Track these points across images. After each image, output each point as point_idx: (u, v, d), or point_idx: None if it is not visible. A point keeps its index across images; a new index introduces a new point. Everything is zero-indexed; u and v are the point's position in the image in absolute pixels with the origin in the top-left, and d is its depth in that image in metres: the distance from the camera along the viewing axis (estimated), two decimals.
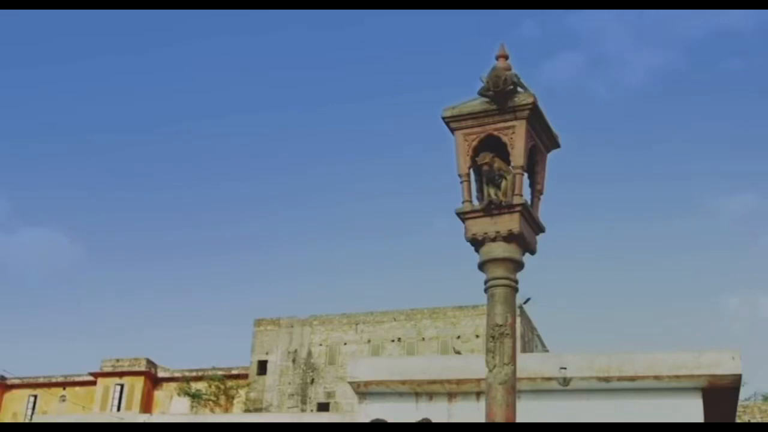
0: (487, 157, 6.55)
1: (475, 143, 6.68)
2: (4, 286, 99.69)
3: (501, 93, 6.54)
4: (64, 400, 56.08)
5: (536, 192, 6.87)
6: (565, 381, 20.22)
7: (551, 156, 7.06)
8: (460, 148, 6.74)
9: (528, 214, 6.62)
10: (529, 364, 20.21)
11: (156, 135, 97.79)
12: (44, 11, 74.72)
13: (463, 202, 6.69)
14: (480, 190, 6.68)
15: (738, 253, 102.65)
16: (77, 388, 56.51)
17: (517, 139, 6.55)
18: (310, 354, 51.80)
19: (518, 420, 6.31)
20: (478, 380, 19.57)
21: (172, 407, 53.74)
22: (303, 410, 49.29)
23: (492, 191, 6.53)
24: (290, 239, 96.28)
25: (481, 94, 6.63)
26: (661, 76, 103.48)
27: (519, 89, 6.60)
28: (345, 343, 51.22)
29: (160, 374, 56.01)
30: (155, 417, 41.12)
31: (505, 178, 6.52)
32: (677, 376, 19.75)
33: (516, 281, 6.58)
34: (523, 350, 43.82)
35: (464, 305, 49.85)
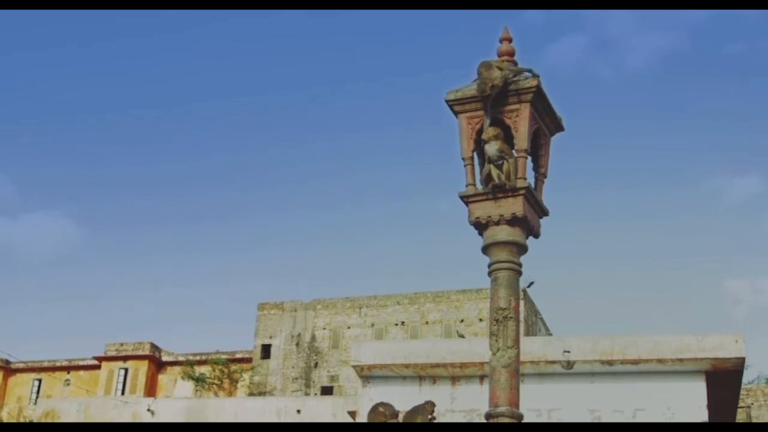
0: (495, 130, 6.53)
1: (478, 126, 6.67)
2: (9, 271, 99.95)
3: (491, 96, 6.53)
4: (68, 384, 56.19)
5: (540, 175, 6.85)
6: (569, 364, 20.27)
7: (555, 139, 7.05)
8: (464, 132, 6.72)
9: (532, 198, 6.61)
10: (532, 348, 20.27)
11: (158, 117, 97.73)
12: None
13: (466, 186, 6.67)
14: (487, 175, 6.65)
15: (742, 236, 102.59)
16: (81, 372, 56.62)
17: (521, 122, 6.53)
18: (313, 338, 51.88)
19: (522, 403, 6.31)
20: (482, 364, 19.65)
21: (176, 391, 53.87)
22: (307, 394, 49.40)
23: (495, 173, 6.51)
24: (294, 223, 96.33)
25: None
26: (665, 59, 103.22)
27: (526, 73, 6.57)
28: (348, 327, 51.27)
29: (164, 358, 56.11)
30: (159, 401, 41.29)
31: (507, 161, 6.50)
32: (680, 360, 19.79)
33: (519, 265, 6.57)
34: (527, 334, 43.86)
35: (468, 289, 49.85)
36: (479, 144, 6.66)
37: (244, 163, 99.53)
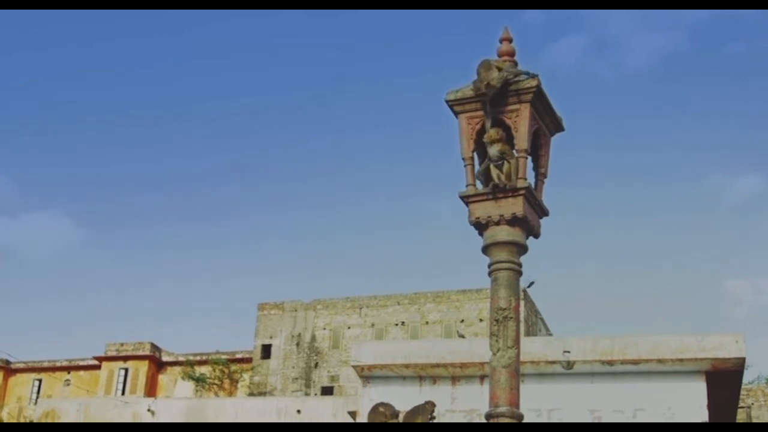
0: (498, 133, 6.53)
1: (478, 127, 6.67)
2: (9, 270, 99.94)
3: (487, 95, 6.53)
4: (68, 384, 56.19)
5: (540, 175, 6.85)
6: (569, 364, 20.27)
7: (555, 139, 7.05)
8: (464, 132, 6.72)
9: (532, 198, 6.61)
10: (532, 348, 20.27)
11: (158, 117, 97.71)
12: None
13: (467, 186, 6.67)
14: (484, 174, 6.66)
15: (742, 236, 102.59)
16: (81, 372, 56.61)
17: (521, 122, 6.53)
18: (313, 338, 51.88)
19: (522, 403, 6.31)
20: (482, 364, 19.65)
21: (177, 391, 53.87)
22: (307, 394, 49.40)
23: (495, 173, 6.52)
24: (294, 223, 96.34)
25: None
26: (665, 59, 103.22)
27: (523, 75, 6.57)
28: (349, 327, 51.27)
29: (165, 358, 56.10)
30: (159, 401, 41.29)
31: (508, 161, 6.51)
32: (681, 360, 19.79)
33: (520, 265, 6.57)
34: (527, 334, 43.86)
35: (468, 289, 49.86)
36: (479, 144, 6.66)
37: (244, 163, 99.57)
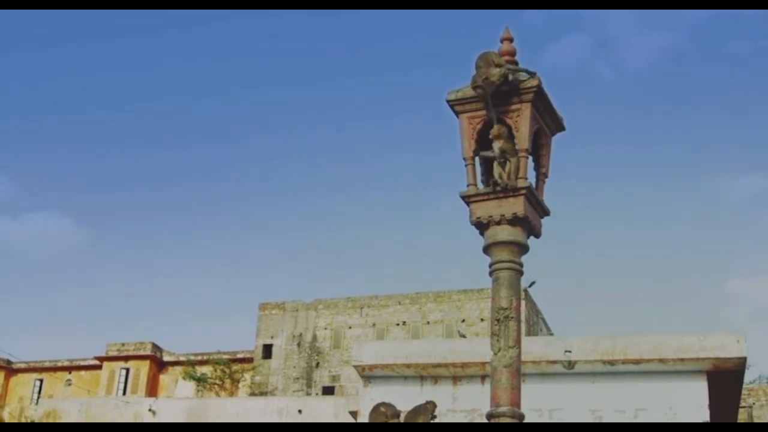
0: (501, 129, 6.52)
1: (479, 126, 6.67)
2: (9, 270, 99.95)
3: (484, 89, 6.52)
4: (69, 384, 56.17)
5: (541, 175, 6.85)
6: (570, 364, 20.25)
7: (555, 138, 7.04)
8: (465, 132, 6.72)
9: (533, 197, 6.61)
10: (533, 348, 20.25)
11: (159, 114, 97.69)
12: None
13: (468, 186, 6.67)
14: (485, 173, 6.66)
15: (743, 235, 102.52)
16: (83, 372, 56.60)
17: (522, 122, 6.53)
18: (314, 338, 51.87)
19: (523, 402, 6.30)
20: (483, 363, 19.62)
21: (178, 391, 53.85)
22: (308, 394, 49.39)
23: (497, 172, 6.52)
24: (295, 223, 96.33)
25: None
26: (665, 59, 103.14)
27: (523, 73, 6.57)
28: (350, 327, 51.25)
29: (166, 358, 56.08)
30: (160, 401, 41.29)
31: (509, 161, 6.50)
32: (682, 359, 19.77)
33: (521, 264, 6.57)
34: (528, 333, 43.82)
35: (469, 289, 49.84)
36: (480, 144, 6.66)
37: (245, 163, 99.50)
